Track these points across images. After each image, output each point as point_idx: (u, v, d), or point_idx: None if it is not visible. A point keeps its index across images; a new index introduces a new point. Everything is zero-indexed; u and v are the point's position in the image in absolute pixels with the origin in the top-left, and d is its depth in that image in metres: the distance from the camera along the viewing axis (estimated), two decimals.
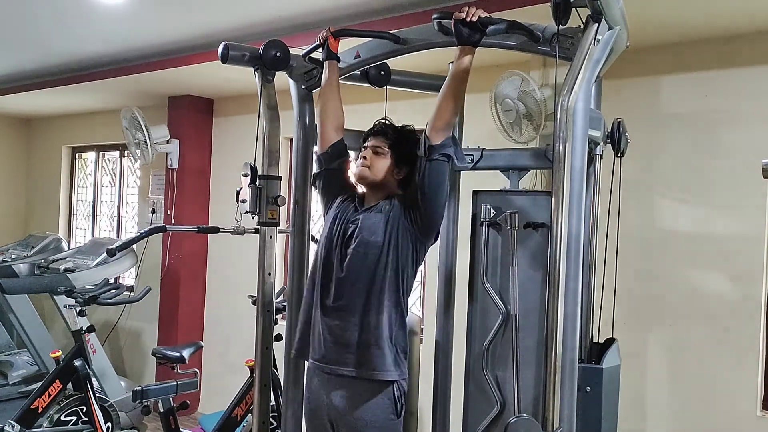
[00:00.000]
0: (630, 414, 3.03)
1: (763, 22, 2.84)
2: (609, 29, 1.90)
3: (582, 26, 1.91)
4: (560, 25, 1.91)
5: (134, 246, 5.18)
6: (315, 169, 2.51)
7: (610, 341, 2.55)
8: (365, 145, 2.37)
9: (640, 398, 3.19)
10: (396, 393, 2.22)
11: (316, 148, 2.52)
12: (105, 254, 4.72)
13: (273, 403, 3.27)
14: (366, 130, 2.43)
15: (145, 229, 2.82)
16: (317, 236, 2.73)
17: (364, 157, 2.32)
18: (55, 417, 3.80)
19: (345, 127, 2.48)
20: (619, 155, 2.62)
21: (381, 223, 2.22)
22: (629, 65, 3.05)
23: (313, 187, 2.55)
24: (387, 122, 2.41)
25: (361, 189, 2.41)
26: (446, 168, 2.18)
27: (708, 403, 3.04)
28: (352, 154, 2.52)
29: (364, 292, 2.20)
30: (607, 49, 1.91)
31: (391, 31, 2.40)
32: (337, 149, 2.43)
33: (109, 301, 4.02)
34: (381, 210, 2.27)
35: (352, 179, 2.42)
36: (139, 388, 3.44)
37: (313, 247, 2.60)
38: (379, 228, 2.22)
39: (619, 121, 2.59)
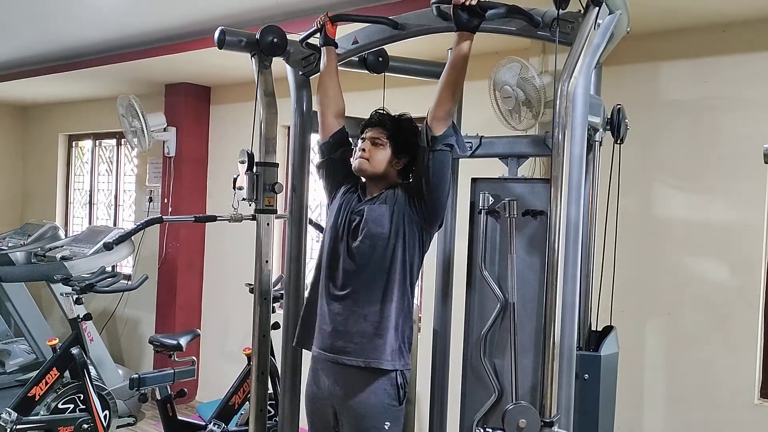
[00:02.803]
0: (628, 401, 3.03)
1: (763, 7, 2.82)
2: (609, 14, 1.88)
3: (582, 11, 1.89)
4: (560, 10, 1.90)
5: None
6: (317, 158, 2.50)
7: (609, 329, 2.54)
8: (363, 136, 2.36)
9: (638, 386, 3.20)
10: (398, 381, 2.23)
11: (317, 137, 2.50)
12: (101, 243, 4.72)
13: (270, 391, 3.27)
14: (366, 117, 2.41)
15: (142, 222, 2.81)
16: (322, 225, 2.73)
17: (363, 149, 2.32)
18: (53, 405, 3.80)
19: (345, 115, 2.46)
20: (618, 142, 2.60)
21: (386, 215, 2.24)
22: (629, 51, 3.03)
23: (316, 176, 2.55)
24: (384, 112, 2.40)
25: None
26: (449, 157, 2.20)
27: (706, 391, 3.04)
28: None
29: (372, 282, 2.22)
30: (608, 34, 1.90)
31: (389, 17, 2.38)
32: (339, 138, 2.43)
33: (106, 289, 4.02)
34: (385, 201, 2.27)
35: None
36: (137, 376, 3.44)
37: (311, 237, 2.59)
38: (385, 219, 2.23)
39: (619, 108, 2.57)
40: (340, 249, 2.28)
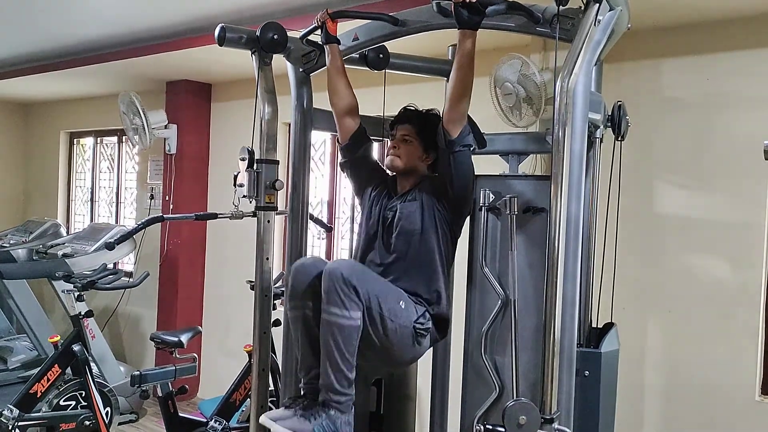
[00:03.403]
0: (628, 398, 3.03)
1: (765, 4, 2.81)
2: (610, 10, 1.88)
3: (582, 7, 1.88)
4: (561, 6, 1.89)
5: None
6: (341, 158, 2.59)
7: (609, 326, 2.54)
8: (393, 133, 2.46)
9: (639, 383, 3.20)
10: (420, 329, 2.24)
11: (338, 138, 2.56)
12: (102, 240, 4.73)
13: (271, 387, 3.27)
14: (373, 115, 2.52)
15: (143, 221, 2.81)
16: (323, 220, 2.72)
17: (395, 146, 2.42)
18: (54, 401, 3.81)
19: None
20: (619, 139, 2.60)
21: (417, 212, 2.33)
22: (630, 48, 3.03)
23: (342, 174, 2.67)
24: (412, 108, 2.49)
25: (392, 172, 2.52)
26: (469, 155, 2.29)
27: (706, 388, 3.04)
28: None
29: (412, 275, 2.30)
30: (608, 31, 1.89)
31: (389, 13, 2.37)
32: (358, 138, 2.51)
33: (108, 286, 4.02)
34: (415, 198, 2.38)
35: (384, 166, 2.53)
36: (138, 372, 3.44)
37: (311, 235, 2.61)
38: (416, 216, 2.33)
39: (620, 105, 2.56)
40: (375, 244, 2.39)
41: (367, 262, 2.41)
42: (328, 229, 4.11)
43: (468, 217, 2.51)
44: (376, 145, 2.67)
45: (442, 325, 2.37)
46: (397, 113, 2.51)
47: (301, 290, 2.19)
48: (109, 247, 2.81)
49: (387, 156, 2.46)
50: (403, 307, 2.19)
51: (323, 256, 4.67)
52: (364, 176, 2.55)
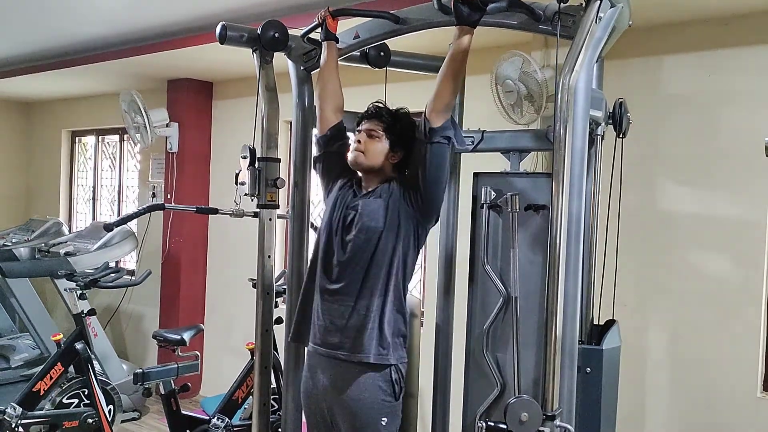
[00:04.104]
0: (630, 395, 3.03)
1: (766, 1, 2.81)
2: (611, 7, 1.87)
3: (584, 4, 1.88)
4: (562, 3, 1.89)
5: (135, 230, 5.22)
6: (315, 152, 2.50)
7: (611, 323, 2.54)
8: (359, 128, 2.35)
9: (640, 379, 3.20)
10: (393, 376, 2.22)
11: (315, 131, 2.50)
12: (105, 238, 4.74)
13: (274, 385, 3.28)
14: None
15: (144, 206, 2.82)
16: (316, 223, 2.73)
17: (359, 141, 2.31)
18: (57, 400, 3.82)
19: (344, 109, 2.46)
20: (620, 136, 2.59)
21: (381, 209, 2.23)
22: (632, 45, 3.02)
23: (313, 170, 2.55)
24: (381, 105, 2.39)
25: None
26: (447, 150, 2.18)
27: (708, 385, 3.04)
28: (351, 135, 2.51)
29: (364, 276, 2.21)
30: (609, 27, 1.89)
31: (390, 11, 2.37)
32: (336, 132, 2.42)
33: (110, 284, 4.02)
34: (380, 195, 2.27)
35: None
36: (141, 370, 3.45)
37: (312, 234, 2.60)
38: (380, 213, 2.22)
39: (621, 102, 2.56)
40: (334, 243, 2.28)
41: (323, 261, 2.29)
42: None
43: (469, 215, 2.51)
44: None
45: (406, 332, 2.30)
46: (365, 109, 2.41)
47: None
48: (107, 228, 2.83)
49: (350, 152, 2.33)
50: (385, 423, 2.21)
51: None
52: (334, 173, 2.42)
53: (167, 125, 5.12)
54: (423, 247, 2.37)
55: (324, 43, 2.43)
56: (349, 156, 2.34)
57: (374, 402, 2.19)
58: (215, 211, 2.79)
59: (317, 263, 2.32)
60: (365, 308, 2.19)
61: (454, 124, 2.21)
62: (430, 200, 2.22)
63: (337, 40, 2.44)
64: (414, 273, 2.34)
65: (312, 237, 2.56)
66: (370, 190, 2.32)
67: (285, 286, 2.93)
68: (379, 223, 2.21)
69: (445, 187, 2.26)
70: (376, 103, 2.39)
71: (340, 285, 2.23)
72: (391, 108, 2.38)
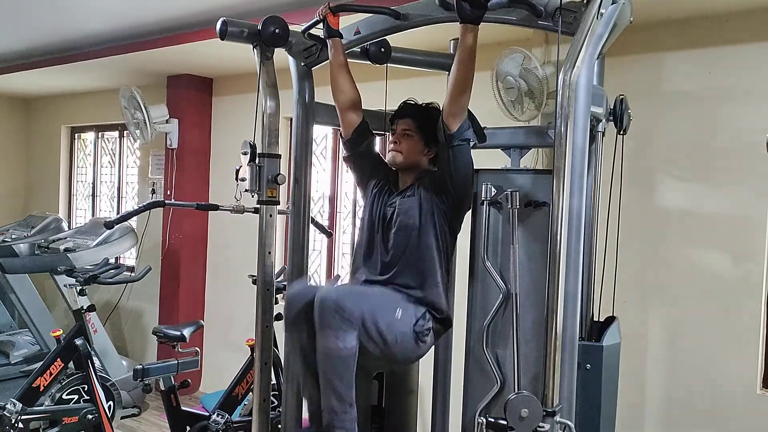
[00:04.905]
0: (630, 391, 3.04)
1: None
2: (612, 3, 1.87)
3: (585, 0, 1.88)
4: None
5: (135, 226, 5.22)
6: (344, 152, 2.59)
7: (611, 319, 2.54)
8: (393, 128, 2.44)
9: (640, 376, 3.20)
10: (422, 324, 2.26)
11: (341, 132, 2.56)
12: (105, 234, 4.73)
13: (274, 381, 3.28)
14: (374, 109, 2.49)
15: (144, 203, 2.82)
16: (322, 223, 2.73)
17: (395, 142, 2.40)
18: (57, 395, 3.81)
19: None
20: (621, 133, 2.59)
21: (415, 207, 2.32)
22: (632, 41, 3.02)
23: (345, 167, 2.66)
24: (412, 103, 2.46)
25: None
26: (468, 150, 2.27)
27: (708, 382, 3.05)
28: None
29: (411, 269, 2.30)
30: (611, 24, 1.89)
31: (391, 7, 2.37)
32: (361, 132, 2.50)
33: (110, 280, 4.02)
34: (414, 194, 2.36)
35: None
36: (140, 366, 3.44)
37: (312, 227, 2.60)
38: (415, 211, 2.31)
39: (622, 98, 2.56)
40: (376, 240, 2.38)
41: (366, 258, 2.40)
42: (329, 235, 4.12)
43: (469, 212, 2.52)
44: (378, 139, 2.67)
45: (445, 320, 2.37)
46: (397, 107, 2.50)
47: (294, 319, 2.24)
48: (108, 225, 2.81)
49: (388, 152, 2.44)
50: (399, 316, 2.20)
51: (324, 256, 4.68)
52: (367, 170, 2.54)
53: (167, 121, 5.11)
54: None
55: (329, 41, 2.42)
56: (388, 157, 2.43)
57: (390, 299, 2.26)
58: (215, 208, 2.79)
59: (360, 257, 2.42)
60: (416, 298, 2.28)
61: (471, 120, 2.27)
62: (460, 198, 2.32)
63: (341, 36, 2.44)
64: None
65: (313, 231, 2.57)
66: (407, 186, 2.41)
67: (285, 283, 2.93)
68: (415, 221, 2.31)
69: (473, 181, 2.38)
70: (407, 101, 2.47)
71: (387, 276, 2.32)
72: (420, 104, 2.46)
